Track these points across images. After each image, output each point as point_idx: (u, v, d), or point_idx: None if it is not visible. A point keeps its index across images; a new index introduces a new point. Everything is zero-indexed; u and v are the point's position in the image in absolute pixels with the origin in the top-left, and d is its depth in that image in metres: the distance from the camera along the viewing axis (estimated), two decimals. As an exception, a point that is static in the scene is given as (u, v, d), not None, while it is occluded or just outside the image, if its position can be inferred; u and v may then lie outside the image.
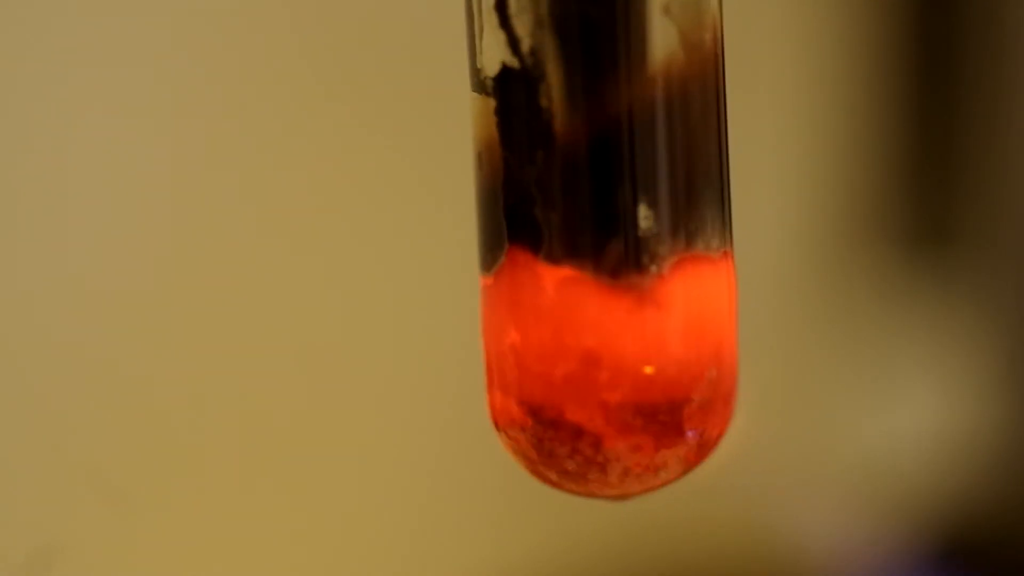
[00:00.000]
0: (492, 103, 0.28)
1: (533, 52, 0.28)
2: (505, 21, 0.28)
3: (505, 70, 0.28)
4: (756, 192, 0.70)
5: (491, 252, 0.29)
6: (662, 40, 0.28)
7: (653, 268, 0.28)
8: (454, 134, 0.35)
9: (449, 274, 0.51)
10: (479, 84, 0.28)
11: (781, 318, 0.74)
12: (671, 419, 0.28)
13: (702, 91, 0.28)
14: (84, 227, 0.59)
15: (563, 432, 0.28)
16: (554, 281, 0.28)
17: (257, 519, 0.64)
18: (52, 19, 0.58)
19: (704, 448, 0.29)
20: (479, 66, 0.29)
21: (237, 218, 0.62)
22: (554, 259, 0.28)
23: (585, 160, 0.28)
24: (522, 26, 0.28)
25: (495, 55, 0.28)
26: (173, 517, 0.62)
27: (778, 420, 0.73)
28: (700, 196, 0.28)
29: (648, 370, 0.28)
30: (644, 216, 0.28)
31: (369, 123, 0.63)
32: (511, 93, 0.28)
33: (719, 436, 0.29)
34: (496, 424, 0.30)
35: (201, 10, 0.60)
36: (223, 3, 0.61)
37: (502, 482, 0.58)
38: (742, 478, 0.71)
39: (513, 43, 0.28)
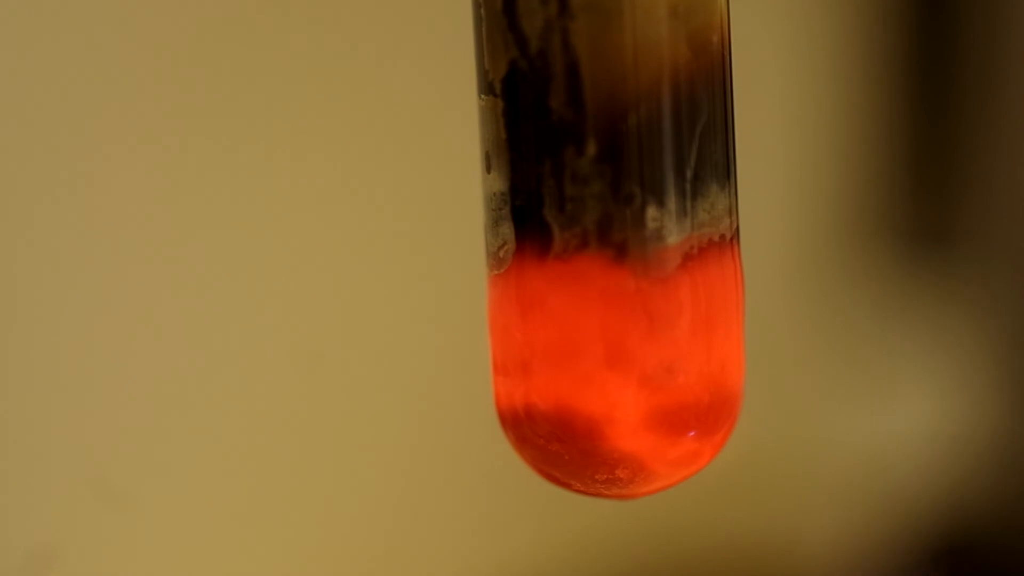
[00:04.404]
0: (500, 105, 0.28)
1: (541, 54, 0.28)
2: (513, 23, 0.28)
3: (513, 72, 0.28)
4: (753, 192, 0.70)
5: (499, 252, 0.29)
6: (670, 41, 0.28)
7: (661, 268, 0.28)
8: (462, 135, 0.35)
9: (457, 273, 0.51)
10: (487, 86, 0.29)
11: (778, 317, 0.74)
12: (680, 419, 0.28)
13: (710, 92, 0.28)
14: (84, 227, 0.59)
15: (569, 432, 0.29)
16: (562, 281, 0.28)
17: (258, 518, 0.64)
18: (51, 19, 0.58)
19: (711, 448, 0.29)
20: (487, 68, 0.29)
21: (237, 217, 0.62)
22: (562, 259, 0.28)
23: (593, 161, 0.28)
24: (530, 28, 0.28)
25: (503, 57, 0.28)
26: (173, 517, 0.62)
27: (776, 420, 0.74)
28: (708, 197, 0.28)
29: (665, 372, 0.28)
30: (652, 217, 0.28)
31: (380, 126, 0.63)
32: (519, 95, 0.28)
33: (726, 436, 0.29)
34: (503, 423, 0.30)
35: (210, 15, 0.60)
36: (232, 7, 0.61)
37: (507, 480, 0.58)
38: (741, 478, 0.71)
39: (521, 45, 0.28)
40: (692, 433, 0.29)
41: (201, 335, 0.62)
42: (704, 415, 0.29)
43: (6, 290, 0.58)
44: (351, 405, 0.65)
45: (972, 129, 0.74)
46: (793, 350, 0.75)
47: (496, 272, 0.29)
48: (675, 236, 0.28)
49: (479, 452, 0.60)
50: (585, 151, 0.28)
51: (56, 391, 0.60)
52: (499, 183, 0.29)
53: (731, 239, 0.29)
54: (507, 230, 0.29)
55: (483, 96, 0.29)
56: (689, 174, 0.28)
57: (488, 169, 0.29)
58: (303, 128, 0.62)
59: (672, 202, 0.28)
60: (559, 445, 0.29)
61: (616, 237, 0.28)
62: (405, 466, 0.66)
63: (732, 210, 0.29)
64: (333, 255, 0.64)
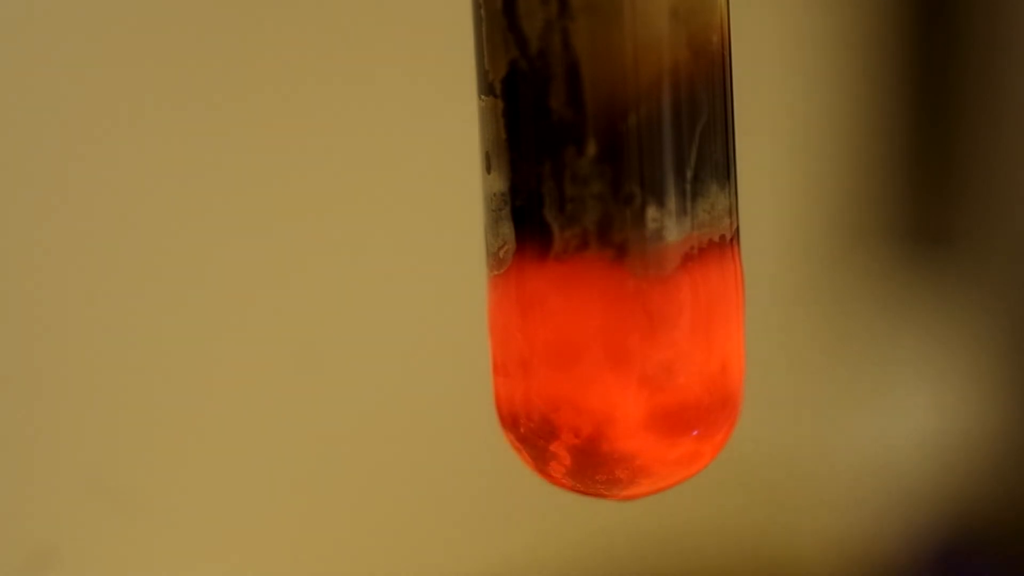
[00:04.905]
0: (500, 105, 0.28)
1: (541, 54, 0.28)
2: (513, 24, 0.28)
3: (513, 72, 0.28)
4: (754, 193, 0.70)
5: (499, 253, 0.29)
6: (670, 42, 0.28)
7: (661, 269, 0.28)
8: (462, 135, 0.35)
9: (457, 274, 0.51)
10: (487, 87, 0.29)
11: (779, 318, 0.74)
12: (680, 419, 0.28)
13: (710, 92, 0.28)
14: (85, 228, 0.59)
15: (570, 432, 0.28)
16: (562, 282, 0.28)
17: (258, 519, 0.64)
18: (50, 18, 0.58)
19: (711, 449, 0.29)
20: (487, 68, 0.29)
21: (236, 219, 0.62)
22: (562, 260, 0.28)
23: (593, 161, 0.28)
24: (530, 28, 0.28)
25: (503, 57, 0.28)
26: (173, 517, 0.62)
27: (776, 421, 0.73)
28: (708, 197, 0.28)
29: (665, 373, 0.28)
30: (652, 217, 0.28)
31: (380, 126, 0.63)
32: (519, 95, 0.28)
33: (726, 437, 0.29)
34: (502, 423, 0.30)
35: (213, 16, 0.60)
36: (234, 7, 0.61)
37: (507, 481, 0.58)
38: (741, 478, 0.71)
39: (521, 45, 0.28)
40: (693, 433, 0.29)
41: (201, 335, 0.62)
42: (704, 415, 0.29)
43: (6, 291, 0.58)
44: (351, 406, 0.65)
45: (972, 130, 0.74)
46: (793, 351, 0.75)
47: (496, 272, 0.29)
48: (675, 236, 0.28)
49: (479, 452, 0.60)
50: (585, 151, 0.28)
51: (56, 391, 0.60)
52: (499, 183, 0.29)
53: (731, 239, 0.29)
54: (507, 230, 0.29)
55: (483, 96, 0.29)
56: (689, 174, 0.28)
57: (488, 169, 0.29)
58: (303, 129, 0.62)
59: (672, 202, 0.28)
60: (558, 447, 0.29)
61: (616, 237, 0.28)
62: (405, 466, 0.66)
63: (732, 210, 0.29)
64: (333, 256, 0.64)
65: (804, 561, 0.75)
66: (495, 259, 0.29)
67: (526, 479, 0.31)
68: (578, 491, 0.29)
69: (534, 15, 0.28)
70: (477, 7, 0.29)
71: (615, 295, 0.28)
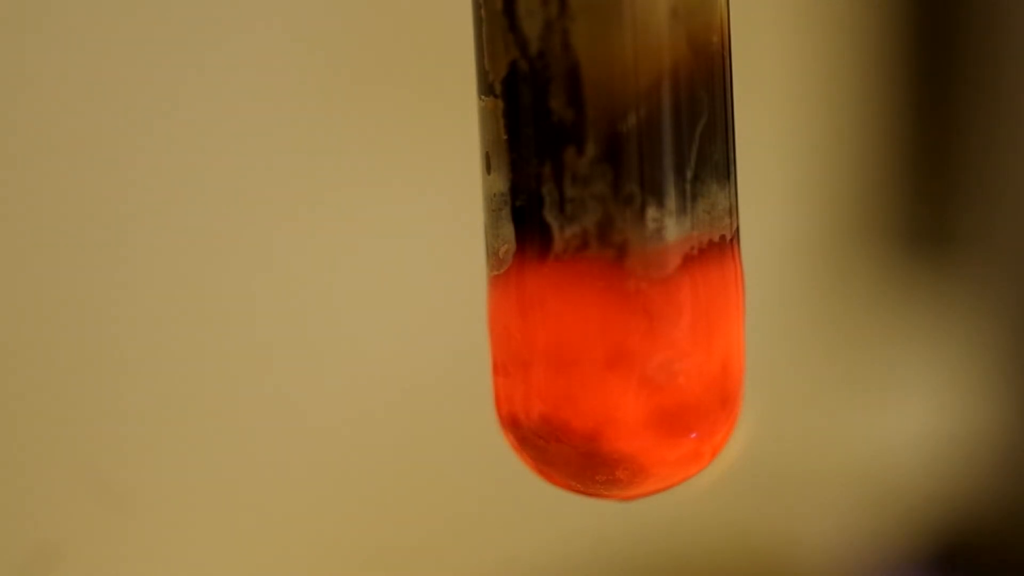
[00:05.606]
0: (500, 105, 0.28)
1: (541, 55, 0.28)
2: (514, 24, 0.28)
3: (513, 73, 0.28)
4: (754, 193, 0.70)
5: (499, 253, 0.29)
6: (670, 42, 0.28)
7: (661, 269, 0.28)
8: (462, 135, 0.35)
9: (457, 273, 0.51)
10: (487, 87, 0.29)
11: (779, 318, 0.74)
12: (680, 420, 0.28)
13: (710, 92, 0.28)
14: (85, 226, 0.59)
15: (569, 432, 0.28)
16: (562, 282, 0.28)
17: (258, 519, 0.64)
18: (60, 17, 0.58)
19: (711, 449, 0.29)
20: (487, 69, 0.29)
21: (235, 218, 0.62)
22: (562, 260, 0.28)
23: (593, 162, 0.28)
24: (530, 29, 0.28)
25: (503, 58, 0.28)
26: (173, 517, 0.62)
27: (776, 421, 0.74)
28: (708, 197, 0.28)
29: (665, 373, 0.28)
30: (652, 217, 0.28)
31: (380, 126, 0.63)
32: (519, 95, 0.28)
33: (726, 437, 0.29)
34: (502, 424, 0.30)
35: (224, 15, 0.60)
36: (242, 8, 0.61)
37: (507, 482, 0.58)
38: (742, 479, 0.71)
39: (521, 46, 0.28)
40: (693, 435, 0.29)
41: (201, 335, 0.62)
42: (704, 416, 0.29)
43: (7, 290, 0.58)
44: (351, 406, 0.65)
45: (972, 130, 0.74)
46: (793, 351, 0.75)
47: (496, 273, 0.29)
48: (675, 236, 0.28)
49: (479, 452, 0.60)
50: (585, 152, 0.28)
51: (57, 391, 0.60)
52: (499, 184, 0.29)
53: (731, 239, 0.29)
54: (507, 231, 0.29)
55: (483, 97, 0.29)
56: (689, 174, 0.28)
57: (488, 170, 0.29)
58: (302, 128, 0.62)
59: (672, 202, 0.28)
60: (559, 446, 0.29)
61: (616, 238, 0.28)
62: (405, 466, 0.66)
63: (732, 210, 0.29)
64: (333, 256, 0.64)
65: (804, 561, 0.75)
66: (495, 259, 0.29)
67: (526, 479, 0.31)
68: (578, 491, 0.29)
69: (534, 15, 0.28)
70: (477, 7, 0.29)
71: (615, 295, 0.28)
